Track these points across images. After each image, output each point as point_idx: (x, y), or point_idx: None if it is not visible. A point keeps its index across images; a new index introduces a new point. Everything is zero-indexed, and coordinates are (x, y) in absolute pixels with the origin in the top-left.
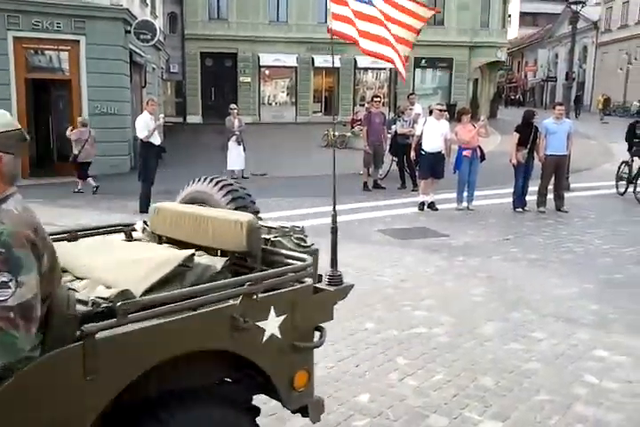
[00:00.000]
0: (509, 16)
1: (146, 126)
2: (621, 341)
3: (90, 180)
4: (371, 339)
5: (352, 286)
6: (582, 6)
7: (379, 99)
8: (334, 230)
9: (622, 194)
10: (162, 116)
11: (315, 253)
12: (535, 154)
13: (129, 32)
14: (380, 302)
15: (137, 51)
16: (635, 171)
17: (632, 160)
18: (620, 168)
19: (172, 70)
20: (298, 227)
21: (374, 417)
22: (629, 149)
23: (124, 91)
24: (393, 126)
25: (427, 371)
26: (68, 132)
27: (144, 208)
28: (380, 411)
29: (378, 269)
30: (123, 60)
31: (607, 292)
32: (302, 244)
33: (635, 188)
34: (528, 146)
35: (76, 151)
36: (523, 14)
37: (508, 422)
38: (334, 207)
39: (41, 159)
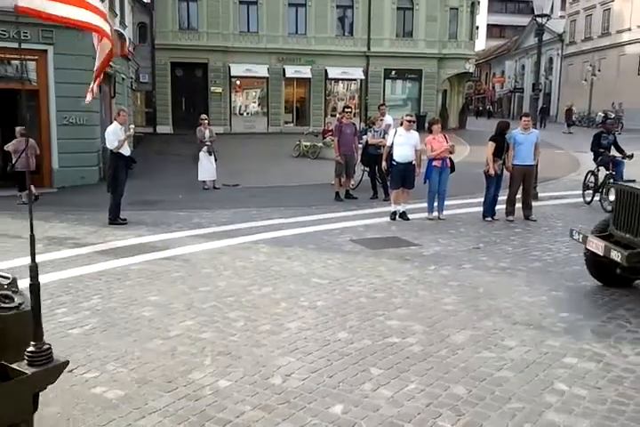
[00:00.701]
0: (477, 28)
1: (116, 137)
2: (589, 347)
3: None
4: (344, 349)
5: (65, 363)
6: (548, 19)
7: (349, 109)
8: (34, 289)
9: (589, 203)
10: (132, 126)
11: (15, 317)
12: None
13: None
14: (353, 313)
15: None
16: (600, 180)
17: (598, 169)
18: (586, 177)
19: (141, 80)
20: (6, 278)
21: None
22: (595, 159)
23: (93, 101)
24: (364, 137)
25: (400, 380)
26: (6, 146)
27: (114, 219)
28: (354, 422)
29: (350, 280)
30: (91, 70)
31: (575, 299)
32: (2, 304)
33: (600, 196)
34: (503, 156)
35: (14, 161)
36: (490, 26)
37: None
38: (33, 258)
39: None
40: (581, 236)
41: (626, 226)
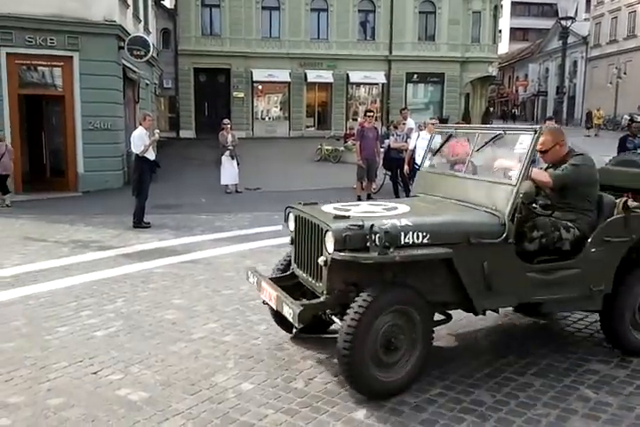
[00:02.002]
0: (500, 31)
1: (142, 142)
2: (617, 353)
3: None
4: None
5: None
6: (572, 22)
7: (371, 113)
8: None
9: None
10: (157, 131)
11: None
12: None
13: (122, 48)
14: None
15: (130, 66)
16: None
17: None
18: None
19: (165, 86)
20: None
21: None
22: None
23: (118, 106)
24: (386, 141)
25: (423, 385)
26: None
27: (138, 223)
28: None
29: None
30: (116, 76)
31: None
32: None
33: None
34: None
35: None
36: (513, 29)
37: None
38: None
39: (34, 174)
40: (256, 279)
41: (305, 264)
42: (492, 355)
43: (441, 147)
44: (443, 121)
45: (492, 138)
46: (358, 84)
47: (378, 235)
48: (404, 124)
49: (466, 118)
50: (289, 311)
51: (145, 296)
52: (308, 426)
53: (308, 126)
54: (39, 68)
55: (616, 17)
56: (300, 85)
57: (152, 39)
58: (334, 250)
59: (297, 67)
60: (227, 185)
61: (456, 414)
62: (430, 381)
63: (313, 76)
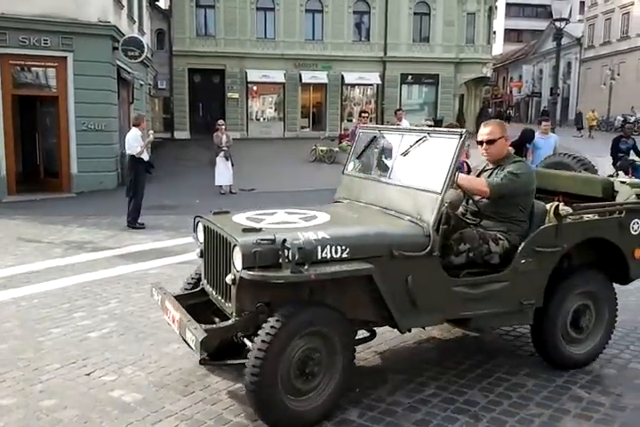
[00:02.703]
0: (494, 32)
1: (137, 142)
2: (609, 353)
3: None
4: (361, 354)
5: None
6: (566, 23)
7: (366, 114)
8: None
9: None
10: (151, 132)
11: None
12: None
13: (116, 49)
14: None
15: (124, 67)
16: None
17: (617, 174)
18: None
19: (159, 86)
20: None
21: None
22: (614, 164)
23: (112, 107)
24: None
25: (417, 385)
26: None
27: (133, 223)
28: None
29: None
30: (110, 77)
31: None
32: None
33: None
34: None
35: None
36: (507, 31)
37: None
38: None
39: (27, 175)
40: (160, 297)
41: (214, 281)
42: (483, 356)
43: (365, 149)
44: (437, 122)
45: (417, 141)
46: (353, 85)
47: (290, 250)
48: (398, 124)
49: (460, 119)
50: (191, 338)
51: (139, 297)
52: None
53: (302, 127)
54: (33, 68)
55: (609, 18)
56: (295, 86)
57: (146, 40)
58: (242, 268)
59: (292, 68)
60: (221, 186)
61: (449, 414)
62: (423, 381)
63: (308, 76)
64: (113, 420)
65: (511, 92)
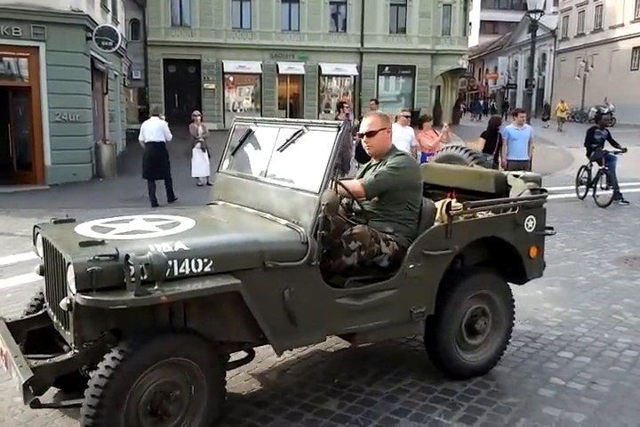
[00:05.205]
0: (470, 24)
1: (162, 131)
2: (585, 341)
3: None
4: (340, 345)
5: None
6: (541, 15)
7: (346, 105)
8: None
9: (582, 198)
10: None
11: None
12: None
13: (90, 39)
14: None
15: (98, 57)
16: (594, 175)
17: (591, 165)
18: (579, 173)
19: (134, 77)
20: None
21: (344, 423)
22: (588, 155)
23: (86, 98)
24: (358, 133)
25: (395, 375)
26: None
27: (172, 199)
28: (350, 417)
29: None
30: (84, 67)
31: (570, 294)
32: None
33: (594, 192)
34: (494, 152)
35: None
36: (483, 22)
37: (475, 424)
38: None
39: (0, 167)
40: None
41: (55, 305)
42: None
43: (240, 144)
44: (414, 113)
45: (293, 135)
46: (330, 77)
47: (134, 268)
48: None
49: (436, 110)
50: (16, 379)
51: None
52: (281, 418)
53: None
54: (4, 58)
55: (583, 11)
56: (272, 77)
57: (120, 30)
58: (77, 291)
59: (268, 58)
60: (198, 177)
61: (427, 403)
62: (402, 371)
63: (284, 67)
64: None
65: (487, 83)
